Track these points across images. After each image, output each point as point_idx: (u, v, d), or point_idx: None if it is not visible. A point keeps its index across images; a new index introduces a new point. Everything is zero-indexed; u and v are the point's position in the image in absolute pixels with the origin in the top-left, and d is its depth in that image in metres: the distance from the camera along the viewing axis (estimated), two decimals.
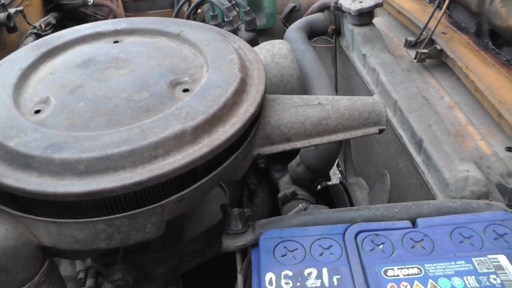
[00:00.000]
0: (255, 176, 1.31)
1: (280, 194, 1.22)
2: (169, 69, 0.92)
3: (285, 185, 1.31)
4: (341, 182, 1.41)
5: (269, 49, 1.28)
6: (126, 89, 0.87)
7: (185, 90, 0.86)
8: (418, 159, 1.21)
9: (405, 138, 1.28)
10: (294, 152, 1.35)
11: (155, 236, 0.75)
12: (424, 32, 1.47)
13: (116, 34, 1.07)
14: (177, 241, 1.10)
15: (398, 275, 0.75)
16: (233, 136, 0.79)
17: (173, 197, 0.73)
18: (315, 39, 2.11)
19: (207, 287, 1.53)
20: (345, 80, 1.90)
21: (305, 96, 0.96)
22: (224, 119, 0.81)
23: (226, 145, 0.78)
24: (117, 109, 0.82)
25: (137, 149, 0.73)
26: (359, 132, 0.95)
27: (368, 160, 1.73)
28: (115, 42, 1.05)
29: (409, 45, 1.51)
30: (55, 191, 0.70)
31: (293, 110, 0.91)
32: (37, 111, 0.84)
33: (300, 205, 1.10)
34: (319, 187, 1.43)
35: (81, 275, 1.15)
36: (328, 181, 1.39)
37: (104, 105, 0.83)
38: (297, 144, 0.90)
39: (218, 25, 1.73)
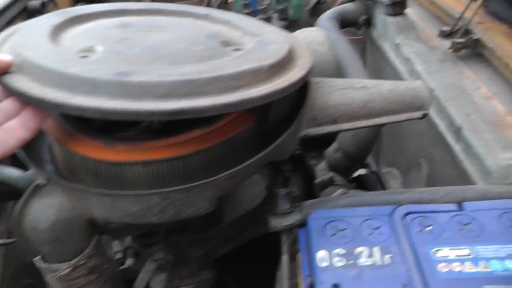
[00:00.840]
0: (290, 163, 1.31)
1: (318, 180, 1.21)
2: (211, 34, 0.88)
3: (322, 172, 1.30)
4: (374, 172, 1.41)
5: (305, 36, 1.27)
6: (180, 42, 0.81)
7: (237, 50, 0.84)
8: (457, 147, 1.20)
9: (442, 127, 1.27)
10: (330, 139, 1.34)
11: (206, 211, 0.75)
12: (459, 22, 1.46)
13: (140, 12, 1.00)
14: (216, 223, 1.10)
15: (448, 256, 0.75)
16: (302, 78, 0.79)
17: (227, 173, 0.73)
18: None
19: (237, 273, 1.53)
20: (375, 71, 1.89)
21: (348, 80, 0.96)
22: (288, 68, 0.80)
23: (299, 84, 0.78)
24: (178, 54, 0.76)
25: (222, 77, 0.68)
26: (403, 116, 0.95)
27: (398, 151, 1.72)
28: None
29: (444, 35, 1.50)
30: (139, 109, 0.63)
31: (338, 93, 0.91)
32: (83, 57, 0.75)
33: (339, 191, 1.10)
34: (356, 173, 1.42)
35: (119, 255, 1.16)
36: (365, 168, 1.38)
37: (162, 51, 0.77)
38: (343, 126, 0.89)
39: (251, 14, 1.73)
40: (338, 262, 0.74)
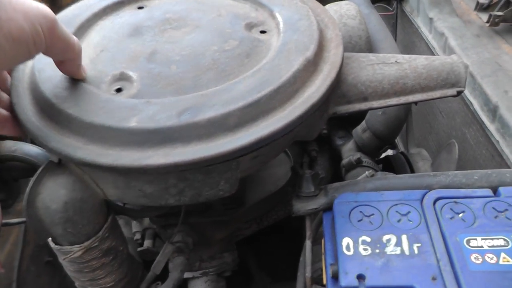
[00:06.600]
0: (316, 143, 1.26)
1: (345, 161, 1.17)
2: (233, 17, 0.84)
3: (349, 152, 1.26)
4: (402, 153, 1.35)
5: (336, 10, 1.22)
6: (209, 42, 0.77)
7: (263, 32, 0.81)
8: (492, 127, 1.14)
9: (476, 106, 1.21)
10: (358, 118, 1.29)
11: (227, 194, 0.71)
12: None
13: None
14: (239, 205, 1.06)
15: (482, 246, 0.69)
16: (342, 56, 0.78)
17: (249, 153, 0.67)
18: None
19: (259, 255, 1.51)
20: (406, 48, 1.82)
21: (381, 55, 0.90)
22: (326, 47, 0.79)
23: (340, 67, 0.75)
24: (217, 61, 0.73)
25: (281, 87, 0.67)
26: (436, 94, 0.89)
27: (428, 131, 1.66)
28: (139, 8, 0.89)
29: (481, 8, 1.42)
30: (219, 151, 0.61)
31: (370, 68, 0.85)
32: (118, 90, 0.70)
33: (367, 172, 1.05)
34: (383, 155, 1.37)
35: (138, 236, 1.14)
36: (394, 149, 1.33)
37: (201, 61, 0.73)
38: (374, 104, 0.84)
39: None
40: (364, 251, 0.70)
